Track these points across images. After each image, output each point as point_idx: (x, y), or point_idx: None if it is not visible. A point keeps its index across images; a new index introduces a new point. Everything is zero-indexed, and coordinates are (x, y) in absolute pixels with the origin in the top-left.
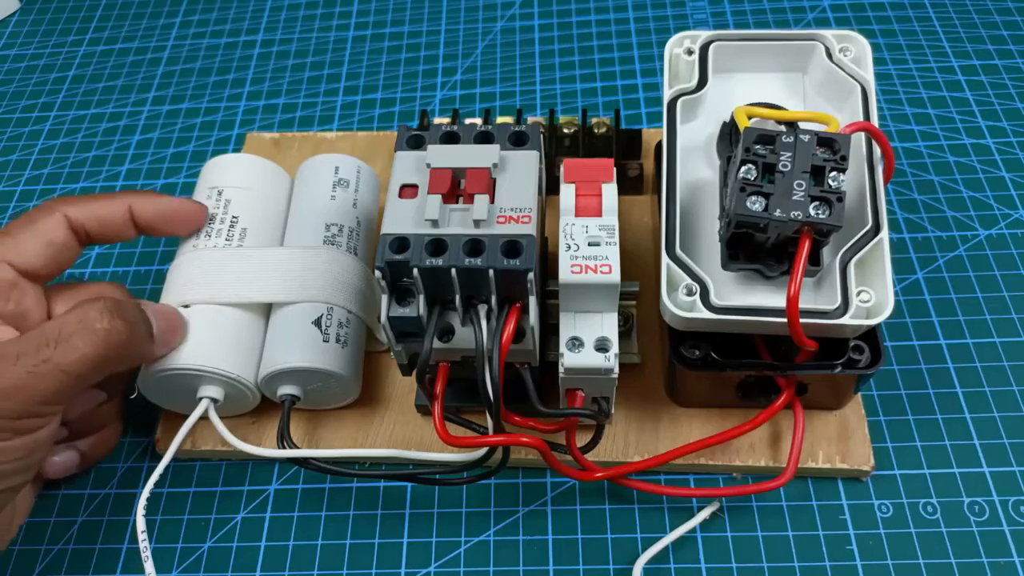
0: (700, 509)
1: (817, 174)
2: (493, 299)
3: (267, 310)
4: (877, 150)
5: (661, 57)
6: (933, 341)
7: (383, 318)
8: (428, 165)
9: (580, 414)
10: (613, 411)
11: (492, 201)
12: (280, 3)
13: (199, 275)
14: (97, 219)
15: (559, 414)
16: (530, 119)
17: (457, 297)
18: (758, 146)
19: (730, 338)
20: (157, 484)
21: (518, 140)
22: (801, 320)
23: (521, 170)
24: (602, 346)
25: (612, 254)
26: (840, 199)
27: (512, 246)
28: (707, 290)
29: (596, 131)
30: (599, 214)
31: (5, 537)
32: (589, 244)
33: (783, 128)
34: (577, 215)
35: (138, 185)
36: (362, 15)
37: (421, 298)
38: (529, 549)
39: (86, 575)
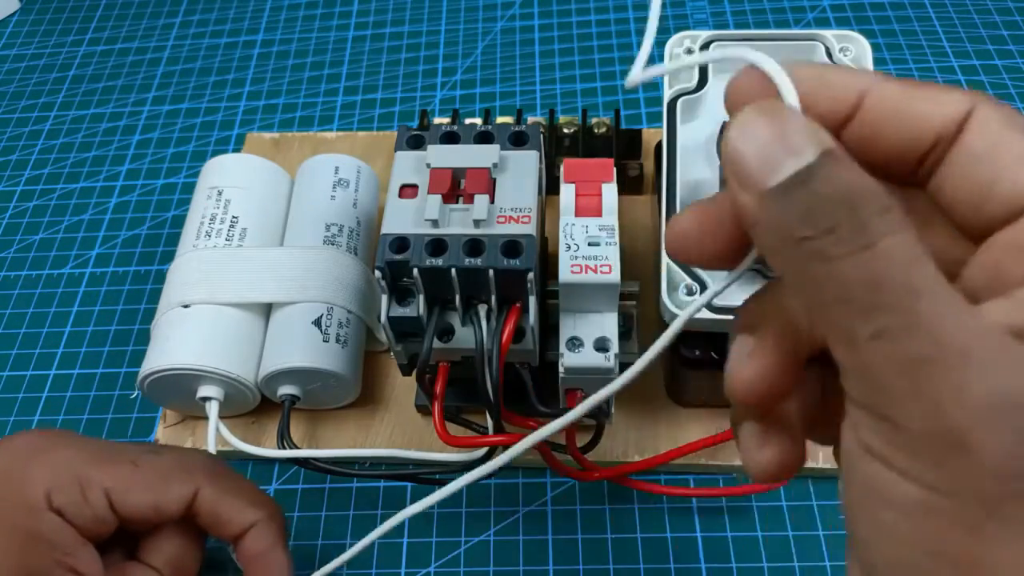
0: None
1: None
2: (493, 299)
3: (267, 310)
4: None
5: (661, 57)
6: None
7: (383, 318)
8: (428, 165)
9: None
10: (613, 411)
11: (492, 201)
12: (280, 3)
13: (199, 275)
14: (216, 518)
15: (559, 414)
16: (530, 119)
17: (457, 297)
18: None
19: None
20: None
21: (518, 140)
22: None
23: (521, 170)
24: (602, 346)
25: (612, 254)
26: None
27: (512, 246)
28: (707, 290)
29: (596, 131)
30: (599, 214)
31: None
32: (589, 244)
33: None
34: (577, 215)
35: (137, 185)
36: (362, 15)
37: (421, 298)
38: (529, 549)
39: None
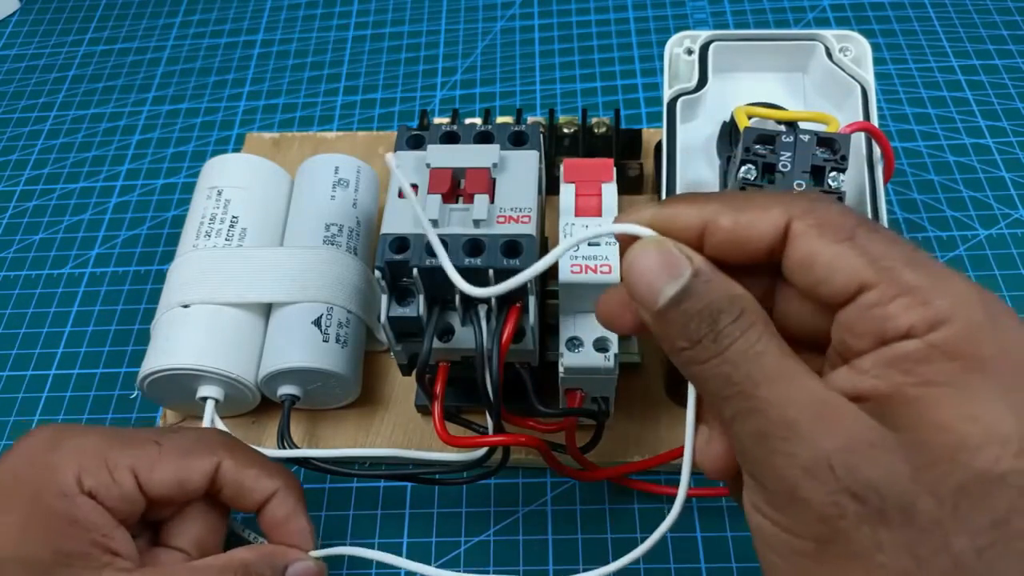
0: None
1: (817, 174)
2: (493, 299)
3: (267, 310)
4: (877, 150)
5: (661, 57)
6: None
7: (383, 318)
8: (428, 165)
9: (580, 414)
10: (613, 411)
11: (492, 201)
12: (280, 3)
13: (199, 275)
14: (239, 489)
15: (559, 414)
16: (530, 119)
17: (457, 297)
18: (758, 146)
19: None
20: None
21: (518, 140)
22: None
23: (521, 170)
24: (602, 346)
25: (612, 254)
26: (840, 199)
27: (512, 246)
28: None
29: (596, 131)
30: (599, 214)
31: None
32: (589, 244)
33: (783, 128)
34: (577, 215)
35: (137, 185)
36: (362, 15)
37: (421, 298)
38: (529, 549)
39: None
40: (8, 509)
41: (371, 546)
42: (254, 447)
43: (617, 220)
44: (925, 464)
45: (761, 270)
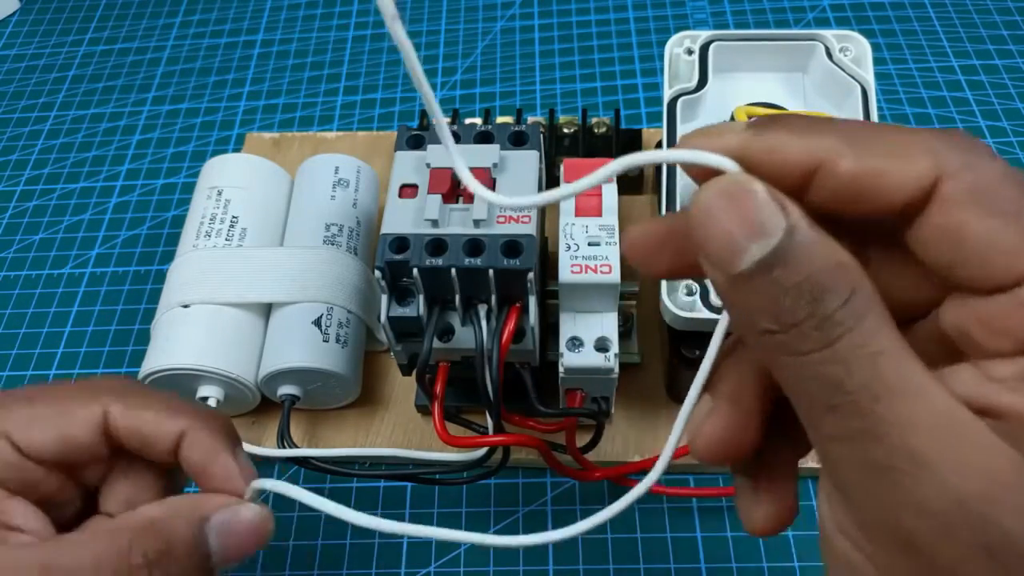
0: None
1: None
2: (493, 299)
3: (267, 310)
4: None
5: (661, 57)
6: None
7: (383, 318)
8: (428, 165)
9: (580, 414)
10: (613, 411)
11: None
12: (280, 3)
13: (199, 275)
14: (140, 437)
15: (559, 414)
16: (530, 119)
17: (457, 297)
18: None
19: None
20: None
21: (518, 140)
22: None
23: (521, 170)
24: (602, 346)
25: (612, 254)
26: None
27: (512, 246)
28: (707, 290)
29: (596, 131)
30: (599, 214)
31: None
32: (589, 244)
33: None
34: (577, 215)
35: (138, 185)
36: (362, 15)
37: (421, 298)
38: (529, 549)
39: None
40: None
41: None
42: (251, 446)
43: (692, 142)
44: None
45: (857, 224)
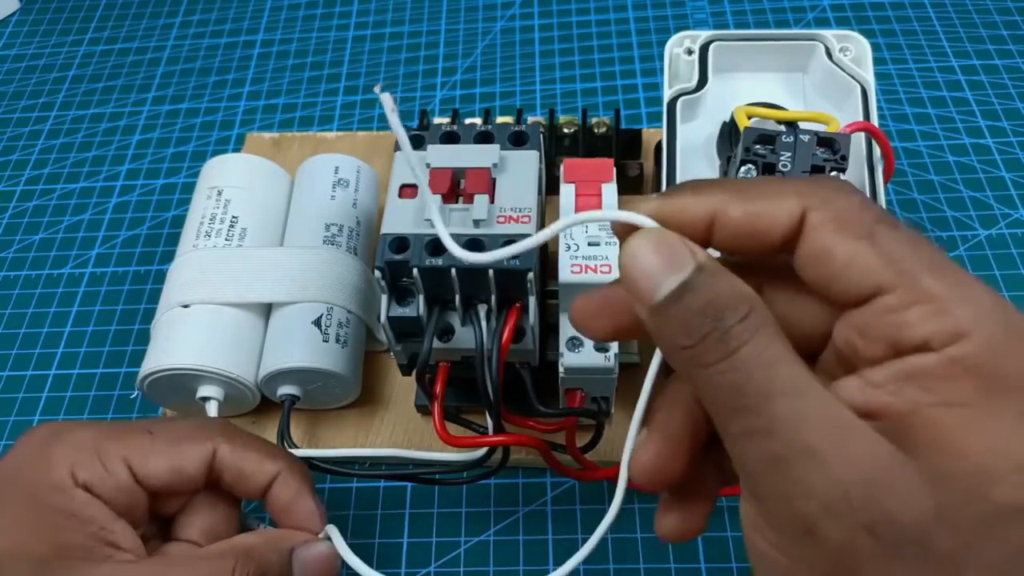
0: None
1: (817, 174)
2: (493, 299)
3: (267, 310)
4: (877, 150)
5: (661, 57)
6: None
7: (383, 318)
8: (428, 165)
9: (580, 414)
10: (613, 411)
11: (492, 201)
12: (280, 3)
13: (199, 275)
14: (239, 474)
15: (559, 414)
16: (530, 119)
17: (457, 297)
18: (758, 146)
19: None
20: None
21: (518, 140)
22: None
23: (521, 170)
24: (602, 346)
25: (612, 254)
26: None
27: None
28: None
29: (596, 131)
30: None
31: None
32: (589, 244)
33: (783, 128)
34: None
35: (137, 185)
36: (362, 15)
37: (421, 298)
38: (529, 549)
39: None
40: (6, 506)
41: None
42: None
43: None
44: (944, 495)
45: (758, 265)
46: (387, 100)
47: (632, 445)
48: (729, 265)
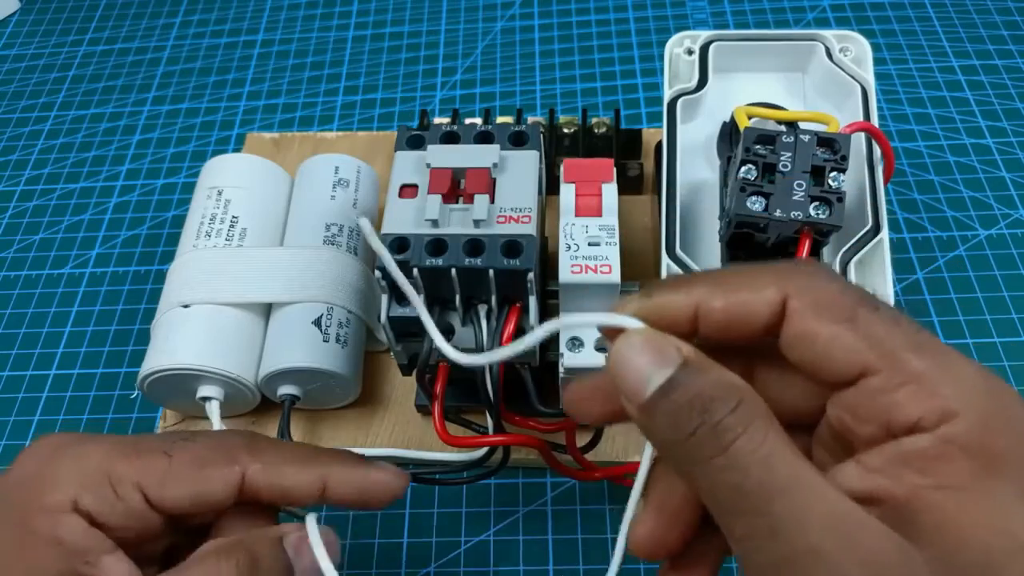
0: None
1: (817, 174)
2: (493, 299)
3: (267, 310)
4: (877, 150)
5: (661, 57)
6: None
7: (383, 318)
8: (428, 165)
9: None
10: None
11: (492, 201)
12: (280, 3)
13: (199, 275)
14: (281, 490)
15: (559, 414)
16: (530, 119)
17: (457, 297)
18: (758, 146)
19: None
20: None
21: (518, 140)
22: None
23: (521, 170)
24: (602, 346)
25: (612, 254)
26: (840, 199)
27: (512, 246)
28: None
29: (596, 131)
30: (599, 214)
31: None
32: (589, 244)
33: (783, 128)
34: (577, 215)
35: (137, 185)
36: (362, 15)
37: (421, 298)
38: (529, 549)
39: None
40: None
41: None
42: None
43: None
44: None
45: (743, 349)
46: (365, 224)
47: (631, 516)
48: (719, 350)
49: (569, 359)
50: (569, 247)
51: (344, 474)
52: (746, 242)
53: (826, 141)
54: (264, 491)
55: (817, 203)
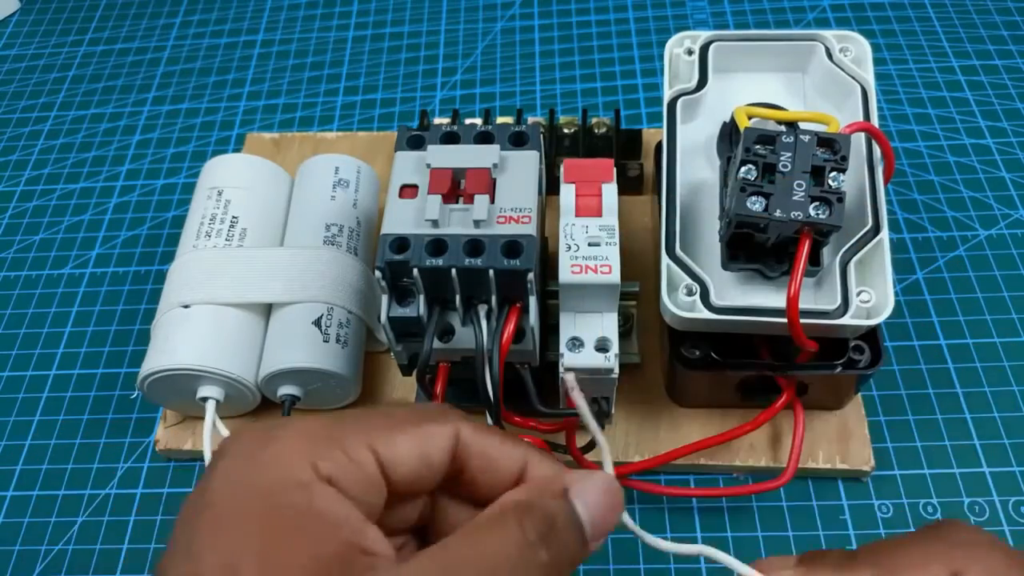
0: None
1: (817, 174)
2: (493, 299)
3: (267, 310)
4: (877, 150)
5: (661, 57)
6: (933, 341)
7: (383, 318)
8: (428, 165)
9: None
10: (613, 411)
11: (492, 201)
12: (280, 3)
13: (199, 275)
14: (487, 460)
15: (559, 414)
16: (530, 119)
17: (457, 297)
18: (758, 146)
19: (730, 338)
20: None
21: (518, 140)
22: (801, 320)
23: (521, 170)
24: (602, 346)
25: (612, 254)
26: (840, 199)
27: (512, 246)
28: (707, 290)
29: (596, 131)
30: (599, 214)
31: None
32: (589, 244)
33: (783, 128)
34: (577, 215)
35: (137, 185)
36: (362, 15)
37: (421, 298)
38: None
39: (86, 575)
40: (238, 517)
41: None
42: None
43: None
44: None
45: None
46: (570, 379)
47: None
48: None
49: (569, 359)
50: (569, 247)
51: (546, 460)
52: (746, 242)
53: (826, 141)
54: (474, 457)
55: (817, 203)
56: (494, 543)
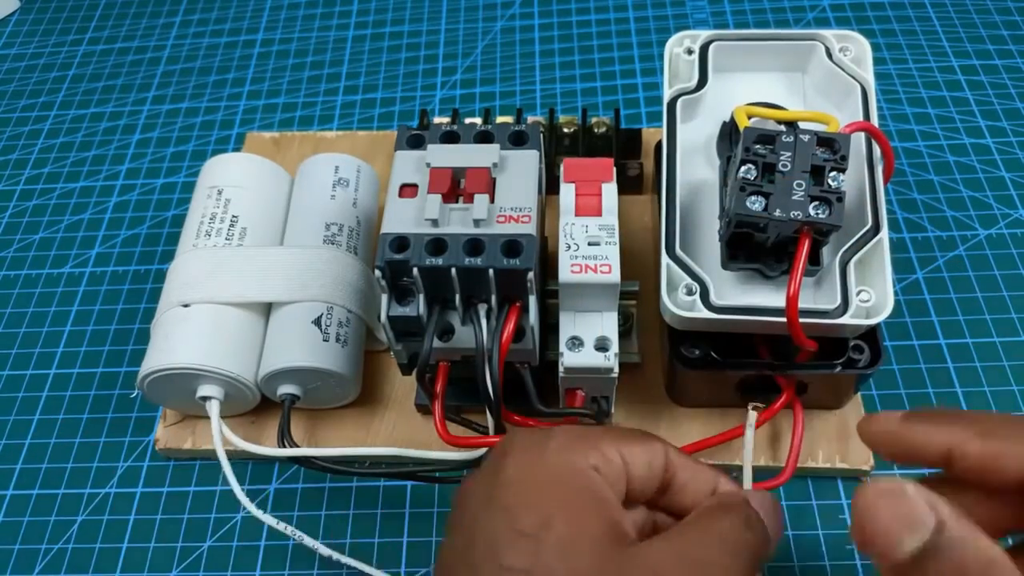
0: None
1: (817, 174)
2: (493, 299)
3: (267, 310)
4: (877, 150)
5: (661, 57)
6: (933, 341)
7: (383, 317)
8: (428, 164)
9: (580, 414)
10: (613, 411)
11: (492, 201)
12: (280, 3)
13: (199, 274)
14: (691, 473)
15: (559, 414)
16: (530, 119)
17: (457, 296)
18: (758, 146)
19: (730, 338)
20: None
21: (518, 140)
22: (801, 320)
23: (521, 170)
24: (602, 346)
25: (612, 254)
26: (840, 199)
27: (512, 246)
28: (707, 290)
29: (596, 131)
30: (599, 214)
31: None
32: (589, 244)
33: (783, 128)
34: (577, 215)
35: (137, 185)
36: (362, 15)
37: (421, 297)
38: None
39: (86, 575)
40: (540, 489)
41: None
42: (251, 445)
43: (861, 426)
44: None
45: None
46: None
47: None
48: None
49: (569, 359)
50: (569, 247)
51: (729, 482)
52: (746, 242)
53: (826, 141)
54: (681, 471)
55: (817, 203)
56: (716, 527)
